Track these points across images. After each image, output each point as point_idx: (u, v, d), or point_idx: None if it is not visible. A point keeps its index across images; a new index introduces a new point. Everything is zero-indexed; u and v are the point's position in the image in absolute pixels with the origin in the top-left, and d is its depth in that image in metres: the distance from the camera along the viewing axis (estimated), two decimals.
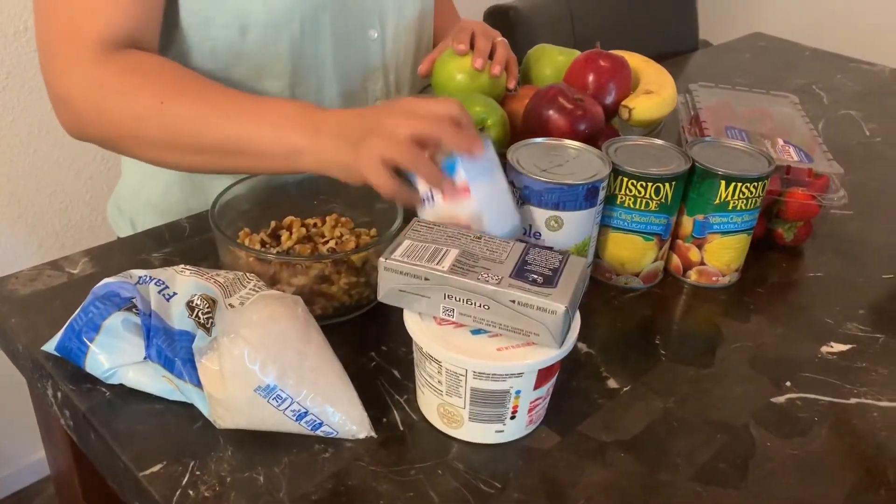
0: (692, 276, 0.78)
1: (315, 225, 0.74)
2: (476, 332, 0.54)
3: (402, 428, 0.57)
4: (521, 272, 0.54)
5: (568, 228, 0.68)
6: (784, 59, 1.50)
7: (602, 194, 0.69)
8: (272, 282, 0.64)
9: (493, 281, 0.52)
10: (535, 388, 0.54)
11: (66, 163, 1.43)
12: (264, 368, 0.51)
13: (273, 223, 0.73)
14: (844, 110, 1.26)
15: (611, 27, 1.41)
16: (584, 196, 0.67)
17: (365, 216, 0.75)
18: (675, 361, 0.67)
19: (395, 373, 0.62)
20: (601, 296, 0.75)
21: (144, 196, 0.92)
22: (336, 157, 0.64)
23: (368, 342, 0.65)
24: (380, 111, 0.64)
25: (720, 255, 0.77)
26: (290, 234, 0.70)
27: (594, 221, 0.70)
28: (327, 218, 0.75)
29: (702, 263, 0.77)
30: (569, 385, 0.63)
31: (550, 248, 0.59)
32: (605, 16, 1.40)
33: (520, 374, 0.53)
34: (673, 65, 1.43)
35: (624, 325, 0.72)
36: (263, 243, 0.70)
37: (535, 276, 0.53)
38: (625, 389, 0.63)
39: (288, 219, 0.74)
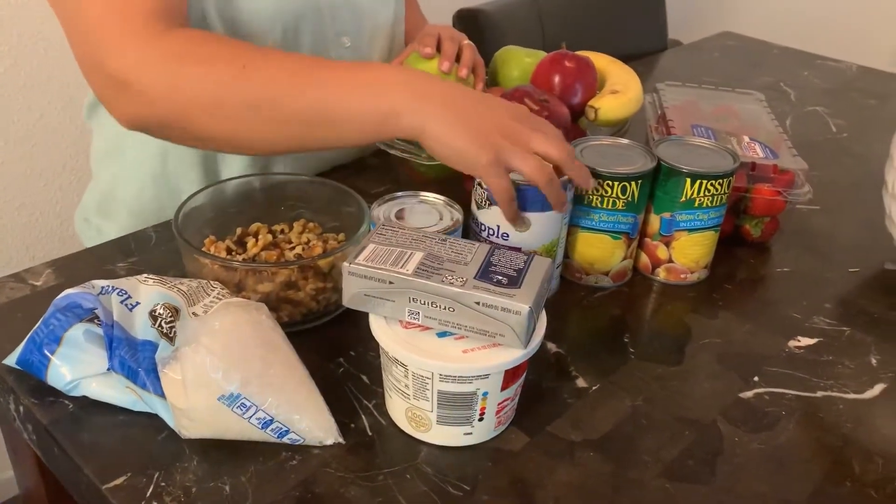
0: (661, 274, 0.79)
1: (282, 231, 0.74)
2: (442, 334, 0.54)
3: (370, 433, 0.57)
4: (485, 273, 0.54)
5: (535, 229, 0.68)
6: (752, 57, 1.52)
7: (570, 195, 0.69)
8: (238, 289, 0.64)
9: (458, 283, 0.52)
10: (503, 389, 0.54)
11: (34, 174, 1.41)
12: (227, 377, 0.51)
13: (239, 230, 0.72)
14: (811, 107, 1.28)
15: (580, 28, 1.42)
16: None
17: (333, 221, 0.74)
18: (643, 359, 0.67)
19: (364, 378, 0.62)
20: (571, 295, 0.75)
21: (119, 198, 0.91)
22: (443, 129, 0.61)
23: (336, 348, 0.65)
24: (500, 108, 0.64)
25: (688, 253, 0.77)
26: (257, 240, 0.70)
27: (562, 222, 0.70)
28: (295, 224, 0.74)
29: (670, 261, 0.78)
30: (538, 385, 0.63)
31: (518, 249, 0.59)
32: (574, 17, 1.41)
33: (486, 376, 0.52)
34: (642, 65, 1.44)
35: (593, 325, 0.72)
36: (229, 250, 0.69)
37: (500, 277, 0.53)
38: (594, 388, 0.63)
39: (255, 225, 0.73)
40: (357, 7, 0.88)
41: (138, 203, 0.89)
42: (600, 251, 0.76)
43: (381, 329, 0.54)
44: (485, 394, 0.53)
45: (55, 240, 1.48)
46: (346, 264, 0.54)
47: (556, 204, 0.64)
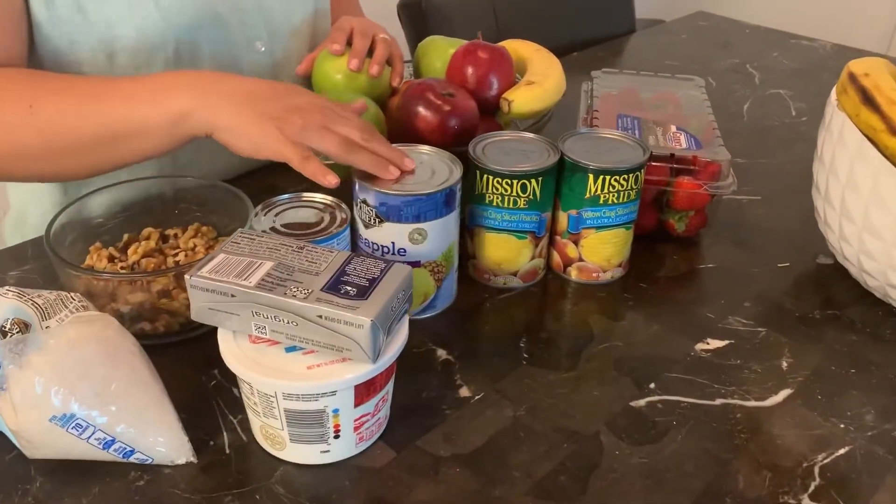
0: (573, 273, 0.75)
1: (175, 235, 0.72)
2: (290, 349, 0.51)
3: (228, 451, 0.55)
4: (335, 285, 0.51)
5: (432, 238, 0.65)
6: (722, 38, 1.47)
7: (458, 196, 0.66)
8: (111, 299, 0.62)
9: (301, 296, 0.50)
10: (357, 405, 0.52)
11: None
12: (59, 397, 0.49)
13: (126, 236, 0.70)
14: (774, 89, 1.23)
15: (539, 15, 1.37)
16: (443, 202, 0.64)
17: (231, 224, 0.72)
18: (536, 365, 0.64)
19: (235, 392, 0.60)
20: (476, 297, 0.72)
21: (29, 221, 0.90)
22: (233, 119, 0.63)
23: (211, 360, 0.62)
24: (295, 95, 0.65)
25: (598, 251, 0.74)
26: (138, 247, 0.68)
27: (455, 225, 0.67)
28: (189, 228, 0.72)
29: (581, 260, 0.74)
30: (418, 396, 0.60)
31: (382, 258, 0.56)
32: (533, 3, 1.36)
33: (333, 393, 0.50)
34: (605, 48, 1.40)
35: (492, 329, 0.69)
36: (111, 258, 0.67)
37: (349, 288, 0.51)
38: (476, 398, 0.60)
39: (146, 230, 0.71)
40: (268, 9, 0.85)
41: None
42: (506, 251, 0.72)
43: (227, 344, 0.52)
44: (335, 411, 0.51)
45: None
46: (188, 276, 0.51)
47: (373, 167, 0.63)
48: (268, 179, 0.92)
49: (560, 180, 0.72)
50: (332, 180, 0.62)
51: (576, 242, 0.73)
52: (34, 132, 0.65)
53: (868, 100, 0.61)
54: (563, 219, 0.73)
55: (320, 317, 0.49)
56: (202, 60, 0.81)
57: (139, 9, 0.74)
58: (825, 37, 1.47)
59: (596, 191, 0.70)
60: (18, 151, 0.65)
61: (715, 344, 0.67)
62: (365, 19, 0.89)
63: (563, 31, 1.42)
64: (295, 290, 0.50)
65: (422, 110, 0.74)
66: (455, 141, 0.74)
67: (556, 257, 0.76)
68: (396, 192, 0.62)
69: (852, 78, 0.64)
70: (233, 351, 0.51)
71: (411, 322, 0.68)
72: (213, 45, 0.81)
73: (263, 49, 0.86)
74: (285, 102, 0.64)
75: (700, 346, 0.67)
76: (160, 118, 0.63)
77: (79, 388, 0.50)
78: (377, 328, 0.49)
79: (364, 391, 0.51)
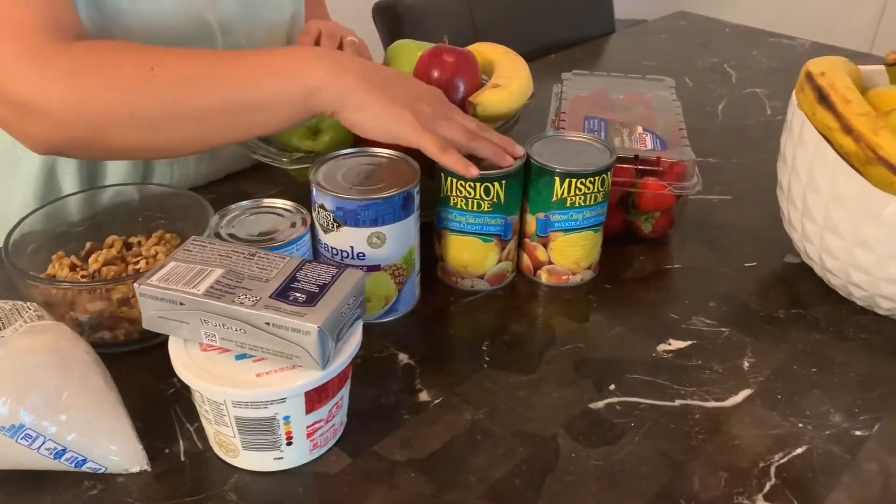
0: (543, 276, 0.75)
1: (139, 243, 0.72)
2: (241, 356, 0.51)
3: (183, 459, 0.55)
4: (284, 291, 0.51)
5: (391, 242, 0.65)
6: (701, 37, 1.47)
7: (418, 199, 0.66)
8: (70, 308, 0.62)
9: (249, 303, 0.50)
10: (309, 412, 0.52)
11: None
12: (7, 407, 0.49)
13: (89, 244, 0.70)
14: (751, 88, 1.23)
15: (516, 16, 1.37)
16: (401, 206, 0.64)
17: (194, 231, 0.72)
18: (497, 368, 0.64)
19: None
20: (442, 301, 0.72)
21: (10, 216, 0.89)
22: (363, 98, 0.63)
23: (171, 368, 0.62)
24: (417, 84, 0.69)
25: (567, 254, 0.74)
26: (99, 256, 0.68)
27: (415, 228, 0.67)
28: (154, 235, 0.72)
29: (550, 263, 0.74)
30: (376, 400, 0.60)
31: (335, 264, 0.56)
32: (510, 5, 1.36)
33: (283, 400, 0.50)
34: (583, 49, 1.40)
35: (456, 332, 0.69)
36: (73, 266, 0.67)
37: (299, 295, 0.51)
38: (436, 402, 0.60)
39: (110, 238, 0.71)
40: (251, 17, 0.85)
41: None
42: (471, 254, 0.73)
43: (177, 353, 0.52)
44: (286, 418, 0.51)
45: None
46: (136, 285, 0.51)
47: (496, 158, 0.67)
48: (239, 186, 0.92)
49: (527, 183, 0.72)
50: (473, 172, 0.64)
51: (545, 245, 0.73)
52: (158, 95, 0.62)
53: (823, 98, 0.61)
54: (531, 222, 0.73)
55: (268, 324, 0.49)
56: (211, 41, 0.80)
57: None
58: (809, 36, 1.47)
59: (563, 194, 0.70)
60: (139, 119, 0.62)
61: (677, 345, 0.67)
62: (332, 22, 0.89)
63: (542, 32, 1.42)
64: (243, 297, 0.50)
65: None
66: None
67: (527, 260, 0.76)
68: (353, 197, 0.62)
69: (809, 77, 0.64)
70: (183, 359, 0.51)
71: (373, 326, 0.68)
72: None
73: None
74: (411, 90, 0.66)
75: (662, 346, 0.67)
76: (292, 91, 0.62)
77: (28, 398, 0.50)
78: (325, 335, 0.49)
79: (315, 398, 0.51)
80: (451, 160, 0.64)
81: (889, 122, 0.60)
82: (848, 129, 0.59)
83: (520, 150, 0.69)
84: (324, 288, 0.51)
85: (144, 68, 0.61)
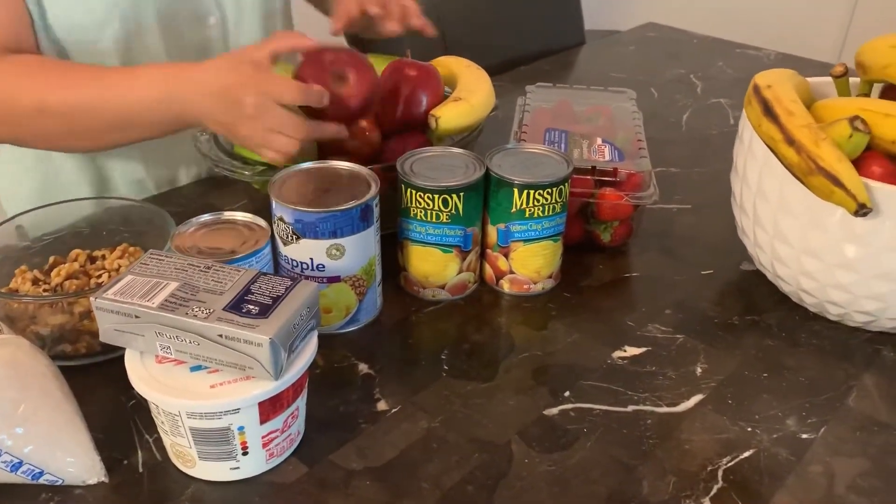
0: (505, 286, 0.77)
1: (103, 256, 0.72)
2: (195, 368, 0.52)
3: (141, 470, 0.55)
4: (238, 304, 0.52)
5: (350, 253, 0.66)
6: (669, 49, 1.49)
7: (377, 211, 0.67)
8: (31, 321, 0.62)
9: (202, 315, 0.50)
10: (263, 422, 0.52)
11: None
12: None
13: (52, 258, 0.71)
14: (715, 98, 1.25)
15: (486, 29, 1.39)
16: (359, 217, 0.65)
17: (157, 244, 0.73)
18: (455, 377, 0.65)
19: None
20: (404, 311, 0.73)
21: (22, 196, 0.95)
22: (217, 123, 0.71)
23: None
24: (242, 66, 0.71)
25: (527, 263, 0.75)
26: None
27: (374, 239, 0.68)
28: (117, 248, 0.73)
29: (511, 272, 0.76)
30: (335, 410, 0.61)
31: (290, 276, 0.57)
32: (479, 17, 1.38)
33: (237, 410, 0.51)
34: (551, 61, 1.42)
35: (416, 341, 0.70)
36: (35, 280, 0.68)
37: (252, 307, 0.52)
38: (393, 411, 0.61)
39: (74, 252, 0.72)
40: None
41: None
42: (432, 265, 0.74)
43: (132, 365, 0.52)
44: (240, 428, 0.52)
45: None
46: (93, 298, 0.52)
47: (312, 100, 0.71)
48: (205, 198, 0.93)
49: (487, 195, 0.73)
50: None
51: (506, 255, 0.75)
52: (47, 125, 0.74)
53: (768, 111, 0.63)
54: (492, 232, 0.74)
55: (221, 336, 0.50)
56: (150, 35, 0.86)
57: None
58: (778, 47, 1.50)
59: (521, 205, 0.72)
60: (36, 136, 0.78)
61: (632, 351, 0.69)
62: None
63: (512, 44, 1.44)
64: (196, 309, 0.51)
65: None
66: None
67: (489, 270, 0.77)
68: (311, 209, 0.63)
69: (756, 90, 0.66)
70: (139, 371, 0.52)
71: (334, 337, 0.69)
72: (160, 20, 0.86)
73: (214, 21, 0.91)
74: (245, 103, 0.69)
75: (617, 353, 0.68)
76: (162, 113, 0.72)
77: None
78: (277, 346, 0.50)
79: (269, 408, 0.52)
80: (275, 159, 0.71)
81: (831, 133, 0.61)
82: (790, 141, 0.61)
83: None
84: (277, 300, 0.52)
85: (36, 102, 0.73)
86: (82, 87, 0.73)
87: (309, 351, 0.54)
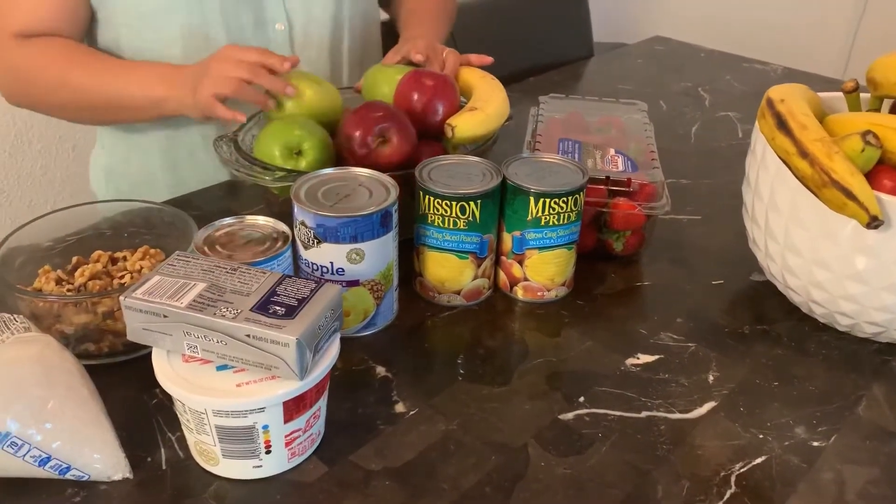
0: (518, 293, 0.78)
1: (124, 258, 0.73)
2: (222, 367, 0.53)
3: (164, 467, 0.56)
4: (264, 305, 0.53)
5: (370, 258, 0.67)
6: (677, 62, 1.51)
7: (396, 217, 0.68)
8: (56, 320, 0.63)
9: (230, 315, 0.52)
10: (287, 421, 0.54)
11: None
12: None
13: (75, 258, 0.72)
14: (723, 112, 1.27)
15: (497, 41, 1.41)
16: (379, 223, 0.66)
17: (178, 246, 0.74)
18: (471, 381, 0.66)
19: (175, 410, 0.61)
20: (420, 315, 0.75)
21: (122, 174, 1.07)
22: (185, 101, 0.86)
23: (154, 379, 0.63)
24: (209, 61, 0.85)
25: (541, 271, 0.76)
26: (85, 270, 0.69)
27: (393, 245, 0.69)
28: (138, 250, 0.74)
29: (525, 279, 0.77)
30: (354, 411, 0.62)
31: (314, 279, 0.58)
32: (492, 30, 1.40)
33: (262, 409, 0.52)
34: (561, 73, 1.44)
35: (432, 346, 0.71)
36: (59, 280, 0.69)
37: (278, 308, 0.53)
38: (411, 413, 0.62)
39: (96, 253, 0.73)
40: None
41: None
42: (448, 270, 0.75)
43: (160, 364, 0.53)
44: (265, 427, 0.53)
45: None
46: (122, 298, 0.53)
47: (254, 99, 0.83)
48: (224, 202, 0.94)
49: (504, 203, 0.74)
50: (239, 118, 0.83)
51: (520, 262, 0.76)
52: (64, 97, 0.92)
53: (782, 124, 0.65)
54: (507, 240, 0.76)
55: (248, 336, 0.51)
56: (214, 28, 0.95)
57: None
58: (782, 62, 1.52)
59: (537, 213, 0.73)
60: (53, 106, 0.95)
61: (645, 359, 0.70)
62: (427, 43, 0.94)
63: (522, 56, 1.45)
64: (224, 310, 0.52)
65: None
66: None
67: (503, 277, 0.78)
68: (333, 214, 0.64)
69: (770, 104, 0.68)
70: (165, 370, 0.53)
71: (352, 340, 0.70)
72: (225, 17, 0.95)
73: (282, 29, 0.99)
74: (201, 78, 0.84)
75: (631, 360, 0.69)
76: (146, 101, 0.89)
77: (14, 406, 0.51)
78: (303, 346, 0.51)
79: (293, 407, 0.53)
80: (217, 115, 0.83)
81: (844, 147, 0.63)
82: (804, 154, 0.62)
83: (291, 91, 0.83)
84: (302, 302, 0.54)
85: (59, 79, 0.90)
86: (97, 72, 0.89)
87: (332, 352, 0.55)
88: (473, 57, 0.94)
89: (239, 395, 0.51)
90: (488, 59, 0.94)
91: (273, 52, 0.83)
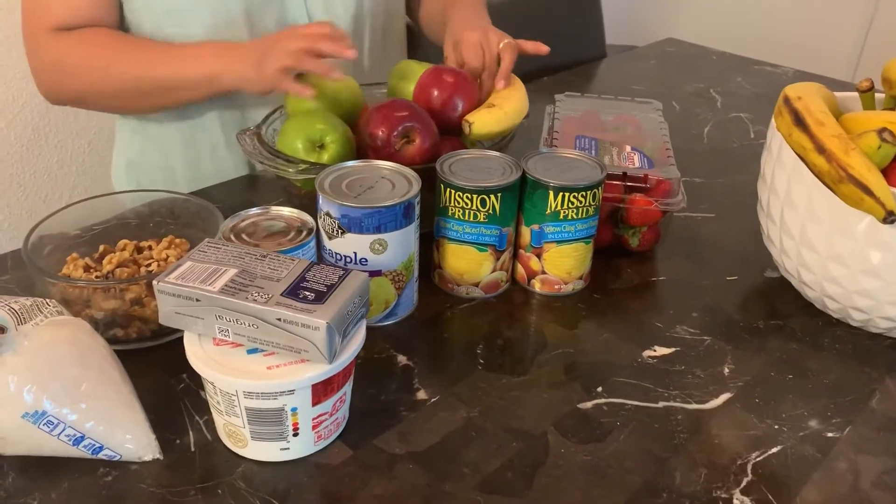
0: (536, 286, 0.79)
1: (150, 247, 0.75)
2: (252, 350, 0.55)
3: (193, 449, 0.58)
4: (294, 290, 0.54)
5: (392, 248, 0.68)
6: (689, 63, 1.52)
7: (417, 209, 0.69)
8: (85, 306, 0.65)
9: (262, 300, 0.53)
10: (315, 404, 0.55)
11: None
12: (31, 395, 0.52)
13: (102, 247, 0.73)
14: (735, 113, 1.28)
15: None
16: (402, 214, 0.68)
17: (203, 236, 0.75)
18: (490, 370, 0.67)
19: (202, 394, 0.63)
20: (438, 306, 0.76)
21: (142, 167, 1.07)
22: (245, 74, 0.86)
23: (180, 365, 0.64)
24: (273, 36, 0.85)
25: (559, 264, 0.77)
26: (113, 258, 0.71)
27: (414, 236, 0.71)
28: (164, 240, 0.75)
29: (543, 272, 0.78)
30: (377, 398, 0.64)
31: (342, 266, 0.59)
32: (508, 30, 1.41)
33: (292, 391, 0.53)
34: (575, 73, 1.45)
35: (452, 336, 0.72)
36: (87, 267, 0.70)
37: (308, 294, 0.54)
38: (432, 400, 0.64)
39: (122, 241, 0.74)
40: None
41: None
42: (467, 263, 0.76)
43: (192, 347, 0.55)
44: (294, 409, 0.54)
45: None
46: (155, 282, 0.55)
47: (319, 68, 0.82)
48: (245, 195, 0.95)
49: (522, 197, 0.76)
50: (306, 93, 0.82)
51: (538, 256, 0.77)
52: (111, 85, 0.91)
53: (799, 121, 0.66)
54: (526, 233, 0.77)
55: (279, 319, 0.52)
56: (237, 29, 0.95)
57: None
58: (793, 64, 1.53)
59: (556, 207, 0.74)
60: (99, 95, 0.93)
61: (662, 351, 0.71)
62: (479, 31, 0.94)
63: (536, 57, 1.46)
64: (256, 294, 0.53)
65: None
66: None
67: (521, 270, 0.79)
68: (358, 205, 0.65)
69: (787, 101, 0.69)
70: (197, 353, 0.54)
71: (374, 329, 0.71)
72: (248, 16, 0.96)
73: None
74: (266, 53, 0.83)
75: (647, 352, 0.70)
76: (201, 77, 0.88)
77: (50, 386, 0.53)
78: (333, 330, 0.52)
79: (321, 390, 0.55)
80: (284, 88, 0.83)
81: (860, 143, 0.64)
82: (821, 150, 0.63)
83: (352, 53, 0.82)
84: (331, 288, 0.55)
85: (105, 62, 0.90)
86: (145, 53, 0.90)
87: (359, 337, 0.56)
88: (529, 45, 0.92)
89: (269, 377, 0.52)
90: (545, 49, 0.92)
91: (338, 32, 0.83)
